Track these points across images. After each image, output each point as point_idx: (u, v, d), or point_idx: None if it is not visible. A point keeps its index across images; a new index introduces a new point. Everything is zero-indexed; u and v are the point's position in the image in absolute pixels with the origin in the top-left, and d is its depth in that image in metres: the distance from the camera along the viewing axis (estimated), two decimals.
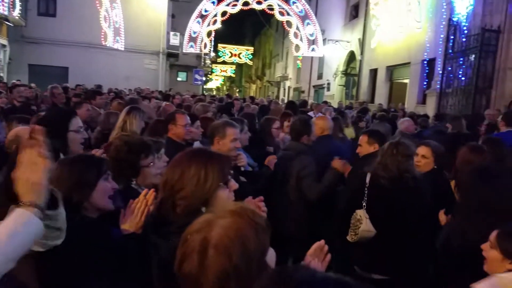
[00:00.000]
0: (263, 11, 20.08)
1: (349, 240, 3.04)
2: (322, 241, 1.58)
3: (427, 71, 13.30)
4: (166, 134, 3.57)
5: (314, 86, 25.89)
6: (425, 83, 13.31)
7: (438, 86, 11.20)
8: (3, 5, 15.38)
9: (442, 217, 2.80)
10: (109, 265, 1.64)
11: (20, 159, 1.22)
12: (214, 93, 43.97)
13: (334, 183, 3.66)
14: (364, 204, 2.98)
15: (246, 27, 47.96)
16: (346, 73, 20.90)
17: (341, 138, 5.19)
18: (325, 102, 13.28)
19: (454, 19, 10.66)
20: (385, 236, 2.90)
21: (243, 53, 41.76)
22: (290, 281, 0.80)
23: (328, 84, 22.76)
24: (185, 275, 1.02)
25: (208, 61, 31.69)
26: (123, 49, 20.26)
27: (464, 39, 10.25)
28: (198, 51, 21.11)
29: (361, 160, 3.72)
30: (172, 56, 24.42)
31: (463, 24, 10.37)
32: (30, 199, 1.19)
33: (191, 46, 20.02)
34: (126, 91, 14.10)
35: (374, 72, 17.87)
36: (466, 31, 10.22)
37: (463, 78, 10.18)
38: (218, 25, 20.17)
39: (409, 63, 14.58)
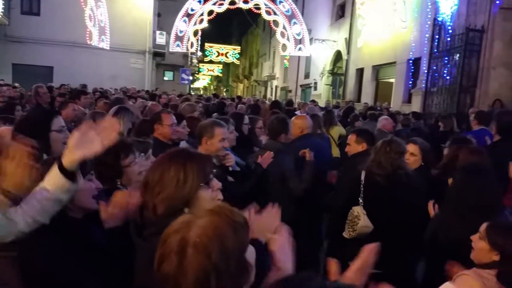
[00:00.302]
0: (250, 10, 20.09)
1: (345, 236, 3.08)
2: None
3: (412, 70, 13.46)
4: (152, 134, 3.53)
5: (301, 86, 25.99)
6: (410, 82, 13.46)
7: (424, 85, 11.33)
8: None
9: (431, 209, 2.87)
10: (93, 265, 1.62)
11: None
12: (201, 92, 43.84)
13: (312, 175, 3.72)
14: (361, 201, 3.03)
15: (233, 27, 47.93)
16: (332, 73, 21.02)
17: (319, 135, 5.20)
18: (313, 101, 13.34)
19: (439, 19, 10.79)
20: (381, 231, 2.95)
21: (230, 52, 41.72)
22: None
23: (315, 83, 22.86)
24: (164, 276, 1.01)
25: (195, 61, 31.57)
26: (108, 48, 20.06)
27: (448, 39, 10.37)
28: (185, 50, 21.04)
29: (351, 159, 3.75)
30: (159, 55, 24.28)
31: (448, 23, 10.50)
32: None
33: (178, 45, 19.93)
34: (112, 91, 13.95)
35: (360, 72, 18.00)
36: (450, 31, 10.35)
37: (448, 77, 10.31)
38: (205, 24, 20.11)
39: (394, 62, 14.72)
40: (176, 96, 11.98)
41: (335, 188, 4.05)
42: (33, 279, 1.55)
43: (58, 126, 2.66)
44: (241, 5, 19.48)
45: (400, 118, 8.19)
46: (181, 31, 19.68)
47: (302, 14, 21.06)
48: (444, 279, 2.10)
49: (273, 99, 22.04)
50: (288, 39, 19.99)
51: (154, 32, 23.10)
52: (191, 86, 35.95)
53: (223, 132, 3.06)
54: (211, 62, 43.21)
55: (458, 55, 9.94)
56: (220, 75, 53.41)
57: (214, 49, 40.90)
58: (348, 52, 18.92)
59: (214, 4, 19.40)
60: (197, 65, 36.59)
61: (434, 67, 10.90)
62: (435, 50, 10.86)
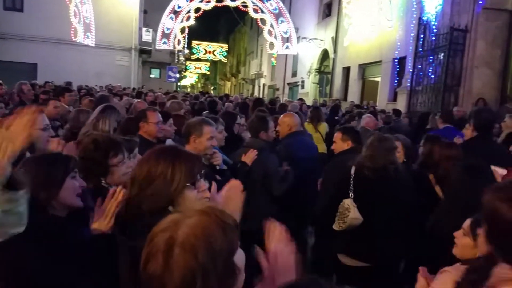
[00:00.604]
0: (237, 8, 20.04)
1: (335, 228, 3.14)
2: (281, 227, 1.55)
3: (398, 69, 13.59)
4: (138, 132, 3.50)
5: (288, 84, 26.06)
6: (396, 81, 13.60)
7: (409, 84, 11.45)
8: None
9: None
10: (76, 265, 1.60)
11: None
12: (189, 90, 43.62)
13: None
14: (351, 194, 3.10)
15: (220, 24, 47.76)
16: (319, 71, 21.12)
17: (302, 132, 5.27)
18: (301, 99, 13.41)
19: (424, 18, 10.89)
20: (371, 223, 3.03)
21: (217, 50, 41.57)
22: None
23: (303, 81, 22.94)
24: (150, 275, 0.99)
25: (182, 58, 31.44)
26: (93, 45, 19.78)
27: (433, 38, 10.48)
28: (172, 48, 20.89)
29: (337, 157, 3.79)
30: (145, 52, 24.07)
31: (433, 23, 10.61)
32: None
33: (164, 43, 19.78)
34: (97, 89, 13.79)
35: (347, 70, 18.12)
36: (435, 30, 10.46)
37: (432, 76, 10.42)
38: (192, 22, 20.00)
39: (380, 61, 14.86)
40: (162, 94, 11.90)
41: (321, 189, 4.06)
42: (17, 283, 1.52)
43: (42, 124, 2.63)
44: (228, 2, 19.43)
45: (382, 116, 8.37)
46: (167, 28, 19.54)
47: (289, 12, 21.10)
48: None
49: (262, 97, 22.06)
50: (275, 37, 20.01)
51: (140, 29, 22.88)
52: (178, 84, 35.76)
53: (212, 130, 3.05)
54: (198, 60, 42.99)
55: (442, 54, 10.06)
56: (208, 73, 53.20)
57: (202, 47, 40.69)
58: (335, 51, 19.02)
59: (201, 1, 19.30)
60: (184, 62, 36.45)
61: (419, 66, 11.02)
62: (420, 49, 10.98)
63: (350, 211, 3.05)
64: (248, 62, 38.75)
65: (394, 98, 13.44)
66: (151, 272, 0.99)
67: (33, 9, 19.90)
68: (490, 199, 1.34)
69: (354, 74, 17.36)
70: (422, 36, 10.90)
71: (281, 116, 4.51)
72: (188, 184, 1.52)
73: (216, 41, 45.62)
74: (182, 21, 19.61)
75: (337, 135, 3.85)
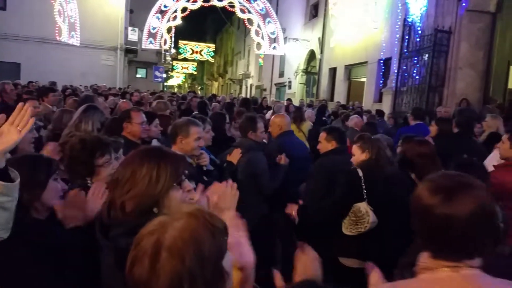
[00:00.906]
0: (224, 8, 20.00)
1: (347, 233, 3.13)
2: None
3: (383, 70, 13.74)
4: (121, 133, 3.46)
5: (276, 84, 26.11)
6: (381, 81, 13.75)
7: (394, 85, 11.57)
8: None
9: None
10: (55, 266, 1.59)
11: None
12: (175, 90, 43.36)
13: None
14: (365, 197, 3.09)
15: (207, 24, 47.61)
16: (306, 72, 21.21)
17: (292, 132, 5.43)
18: (289, 100, 13.46)
19: (409, 20, 11.03)
20: (384, 225, 3.04)
21: (204, 50, 41.43)
22: None
23: (290, 82, 23.01)
24: (135, 280, 0.97)
25: (168, 58, 31.24)
26: (78, 44, 19.55)
27: (418, 39, 10.62)
28: (158, 47, 20.74)
29: (322, 157, 3.80)
30: (131, 52, 23.86)
31: (417, 24, 10.75)
32: None
33: (151, 42, 19.64)
34: (82, 88, 13.64)
35: (333, 71, 18.23)
36: (420, 32, 10.60)
37: (417, 77, 10.55)
38: (179, 21, 19.89)
39: (366, 62, 14.99)
40: (149, 94, 11.82)
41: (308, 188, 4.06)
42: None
43: None
44: (215, 2, 19.37)
45: (367, 116, 8.53)
46: (154, 28, 19.40)
47: (276, 13, 21.15)
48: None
49: (251, 97, 22.07)
50: (262, 37, 20.03)
51: (126, 29, 22.68)
52: (165, 84, 35.54)
53: (199, 131, 3.03)
54: (185, 59, 42.78)
55: (427, 55, 10.20)
56: (195, 73, 52.96)
57: (188, 47, 40.51)
58: (322, 52, 19.12)
59: (188, 1, 19.21)
60: (171, 62, 36.20)
61: (404, 67, 11.14)
62: (405, 51, 11.10)
63: (369, 215, 3.05)
64: (235, 62, 38.71)
65: (379, 99, 13.57)
66: (137, 277, 0.96)
67: (16, 7, 19.58)
68: (418, 188, 1.35)
69: (340, 74, 17.48)
70: (407, 37, 11.03)
71: (272, 116, 4.66)
72: (174, 184, 1.50)
73: (203, 41, 45.45)
74: (168, 20, 19.49)
75: (322, 135, 3.87)
